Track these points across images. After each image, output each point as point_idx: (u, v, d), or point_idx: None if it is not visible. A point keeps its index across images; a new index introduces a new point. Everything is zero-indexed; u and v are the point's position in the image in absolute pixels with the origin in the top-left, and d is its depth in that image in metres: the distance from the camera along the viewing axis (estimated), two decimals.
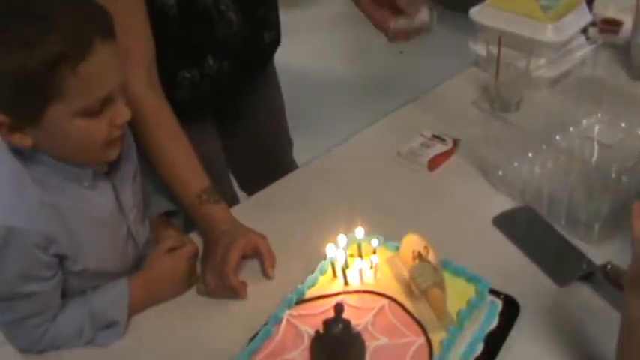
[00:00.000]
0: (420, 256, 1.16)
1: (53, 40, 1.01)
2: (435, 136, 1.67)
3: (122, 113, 1.15)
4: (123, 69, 1.14)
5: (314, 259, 1.27)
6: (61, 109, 1.07)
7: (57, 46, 1.01)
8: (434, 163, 1.60)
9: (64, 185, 1.19)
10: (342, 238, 1.25)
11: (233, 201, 1.77)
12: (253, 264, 1.37)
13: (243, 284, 1.32)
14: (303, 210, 1.51)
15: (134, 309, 1.30)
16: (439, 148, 1.63)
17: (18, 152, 1.15)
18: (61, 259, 1.20)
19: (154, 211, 1.47)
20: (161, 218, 1.48)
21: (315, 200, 1.53)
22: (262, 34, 1.64)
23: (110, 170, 1.27)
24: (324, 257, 1.25)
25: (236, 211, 1.45)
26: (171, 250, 1.37)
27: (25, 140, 1.11)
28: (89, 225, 1.23)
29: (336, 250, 1.23)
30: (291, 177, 1.67)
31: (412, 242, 1.19)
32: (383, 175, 1.60)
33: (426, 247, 1.16)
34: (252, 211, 1.52)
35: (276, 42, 1.72)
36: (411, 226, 1.22)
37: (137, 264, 1.38)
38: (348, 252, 1.25)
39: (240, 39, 1.56)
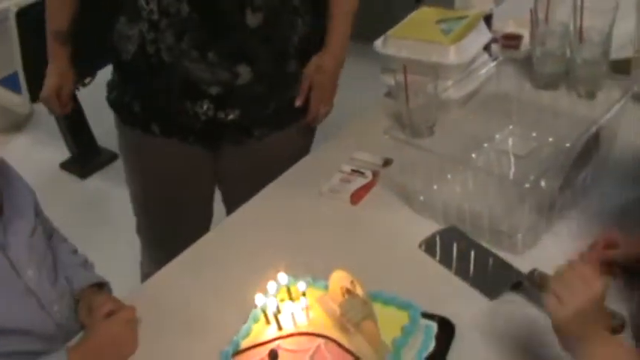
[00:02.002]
0: (348, 292, 1.18)
1: None
2: (354, 171, 1.70)
3: None
4: None
5: (248, 307, 1.28)
6: None
7: None
8: (356, 197, 1.63)
9: None
10: (271, 285, 1.27)
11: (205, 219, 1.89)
12: (190, 317, 1.38)
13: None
14: (233, 259, 1.52)
15: None
16: (359, 182, 1.67)
17: None
18: None
19: (83, 282, 1.47)
20: (92, 289, 1.48)
21: (245, 246, 1.55)
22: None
23: None
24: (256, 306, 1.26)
25: (170, 269, 1.49)
26: (109, 314, 1.36)
27: None
28: None
29: (265, 297, 1.25)
30: (220, 227, 1.70)
31: (339, 279, 1.21)
32: (307, 215, 1.63)
33: (352, 282, 1.18)
34: (186, 266, 1.54)
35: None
36: (339, 263, 1.24)
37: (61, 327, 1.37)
38: (278, 297, 1.27)
39: None
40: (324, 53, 1.76)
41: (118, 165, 3.62)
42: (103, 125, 3.66)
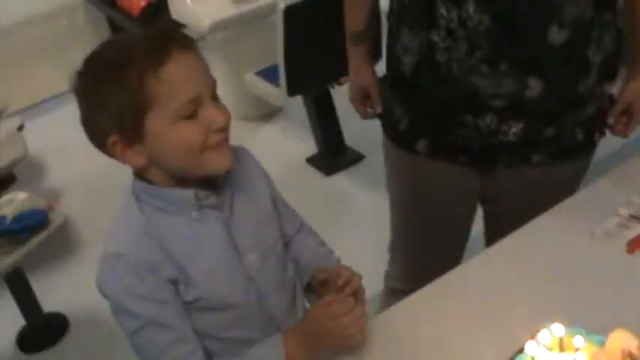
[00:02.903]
0: (631, 356, 1.11)
1: (137, 57, 1.18)
2: (632, 216, 1.60)
3: (216, 118, 1.24)
4: (208, 76, 1.26)
5: (507, 346, 1.26)
6: (156, 116, 1.21)
7: (139, 63, 1.18)
8: (634, 246, 1.54)
9: (170, 217, 1.29)
10: (544, 335, 1.21)
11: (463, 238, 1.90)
12: (443, 343, 1.35)
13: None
14: (492, 293, 1.48)
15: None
16: (638, 229, 1.56)
17: (135, 193, 1.30)
18: (175, 284, 1.28)
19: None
20: None
21: (504, 283, 1.51)
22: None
23: (224, 207, 1.33)
24: (521, 350, 1.22)
25: (426, 291, 1.50)
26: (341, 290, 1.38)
27: (138, 159, 1.26)
28: (194, 256, 1.29)
29: (537, 347, 1.20)
30: (482, 255, 1.66)
31: (621, 339, 1.14)
32: (576, 257, 1.55)
33: (639, 348, 1.10)
34: (443, 290, 1.53)
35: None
36: (614, 318, 1.18)
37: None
38: (548, 346, 1.21)
39: None
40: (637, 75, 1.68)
41: (364, 166, 3.75)
42: (353, 125, 3.74)
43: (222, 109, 1.27)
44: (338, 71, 3.52)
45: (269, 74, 3.58)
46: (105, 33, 5.86)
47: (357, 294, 1.38)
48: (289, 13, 3.13)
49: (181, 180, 1.29)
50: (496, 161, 1.69)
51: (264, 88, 3.62)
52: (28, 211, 2.77)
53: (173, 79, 1.20)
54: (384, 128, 1.84)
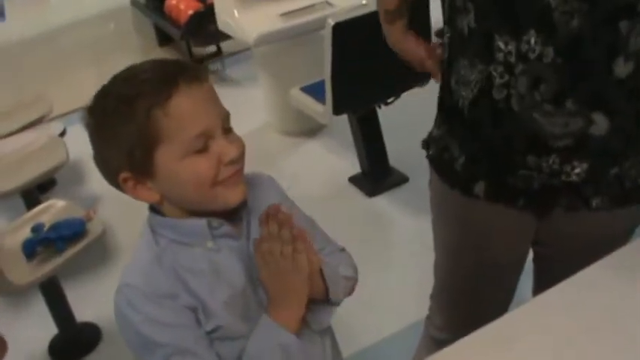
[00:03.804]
0: None
1: (144, 90, 1.17)
2: None
3: (227, 150, 1.22)
4: (220, 108, 1.25)
5: None
6: (165, 151, 1.20)
7: (147, 96, 1.17)
8: None
9: (186, 249, 1.27)
10: None
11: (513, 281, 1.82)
12: None
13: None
14: (541, 346, 1.42)
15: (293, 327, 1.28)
16: None
17: (151, 225, 1.29)
18: (195, 312, 1.25)
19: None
20: None
21: (554, 335, 1.45)
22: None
23: (240, 236, 1.31)
24: None
25: (467, 342, 1.41)
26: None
27: (151, 195, 1.25)
28: (212, 287, 1.26)
29: None
30: (531, 303, 1.60)
31: None
32: (632, 310, 1.48)
33: None
34: (483, 343, 1.46)
35: None
36: None
37: None
38: None
39: None
40: None
41: (408, 189, 3.70)
42: (398, 145, 3.72)
43: (234, 141, 1.25)
44: (386, 91, 3.53)
45: (315, 90, 3.56)
46: (151, 39, 5.92)
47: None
48: (338, 29, 3.11)
49: (194, 213, 1.28)
50: (555, 204, 1.63)
51: (309, 104, 3.60)
52: (66, 220, 2.78)
53: (181, 113, 1.19)
54: (435, 167, 1.75)
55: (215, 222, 1.28)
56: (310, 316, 1.35)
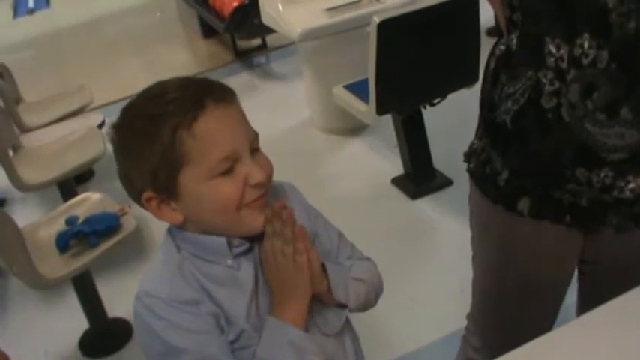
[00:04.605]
0: None
1: (170, 110, 1.15)
2: None
3: (254, 173, 1.20)
4: (247, 129, 1.22)
5: None
6: (190, 173, 1.18)
7: (173, 117, 1.15)
8: None
9: (206, 263, 1.25)
10: None
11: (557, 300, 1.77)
12: None
13: None
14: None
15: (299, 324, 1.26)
16: None
17: (172, 236, 1.27)
18: (217, 320, 1.23)
19: None
20: None
21: (597, 357, 1.39)
22: None
23: (255, 246, 1.28)
24: None
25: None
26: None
27: (174, 216, 1.23)
28: (233, 298, 1.24)
29: None
30: (569, 327, 1.52)
31: None
32: None
33: None
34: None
35: None
36: None
37: None
38: None
39: None
40: None
41: (451, 192, 3.65)
42: (443, 148, 3.66)
43: (262, 162, 1.23)
44: (431, 92, 3.47)
45: (359, 89, 3.53)
46: (196, 31, 5.92)
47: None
48: (384, 27, 3.06)
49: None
50: (604, 222, 1.55)
51: (352, 103, 3.56)
52: (100, 214, 2.78)
53: (207, 135, 1.16)
54: (476, 182, 1.68)
55: (236, 241, 1.25)
56: (321, 320, 1.33)
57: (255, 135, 1.23)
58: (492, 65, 1.57)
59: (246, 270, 1.27)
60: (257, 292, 1.28)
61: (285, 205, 1.25)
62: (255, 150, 1.23)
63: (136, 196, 1.23)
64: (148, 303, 1.21)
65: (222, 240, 1.24)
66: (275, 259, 1.24)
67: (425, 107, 3.58)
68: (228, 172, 1.18)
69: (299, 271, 1.25)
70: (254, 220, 1.23)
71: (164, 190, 1.20)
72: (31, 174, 3.32)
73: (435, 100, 3.49)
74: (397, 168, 3.82)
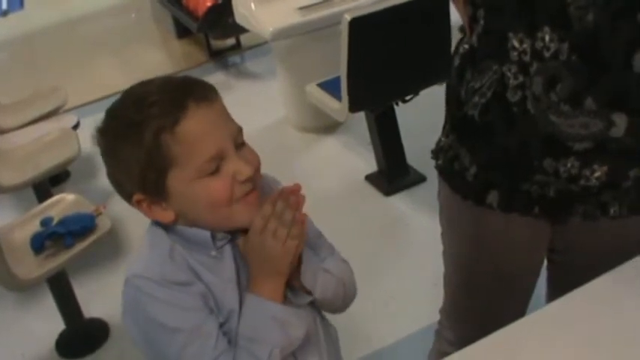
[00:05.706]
0: None
1: (152, 114, 1.16)
2: None
3: (242, 169, 1.21)
4: (231, 126, 1.23)
5: None
6: (177, 175, 1.19)
7: (154, 121, 1.16)
8: None
9: (194, 252, 1.26)
10: None
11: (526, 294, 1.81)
12: None
13: None
14: (552, 350, 1.40)
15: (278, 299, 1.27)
16: None
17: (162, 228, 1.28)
18: (206, 301, 1.24)
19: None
20: None
21: (565, 340, 1.43)
22: None
23: (237, 237, 1.29)
24: None
25: (477, 348, 1.39)
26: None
27: (167, 215, 1.25)
28: (220, 286, 1.26)
29: None
30: (542, 311, 1.56)
31: None
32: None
33: None
34: (498, 348, 1.44)
35: None
36: None
37: None
38: None
39: None
40: None
41: (425, 188, 3.67)
42: (415, 145, 3.69)
43: (249, 157, 1.24)
44: (403, 88, 3.50)
45: (332, 86, 3.53)
46: (170, 31, 5.91)
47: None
48: (355, 24, 3.09)
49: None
50: (572, 212, 1.59)
51: (325, 100, 3.58)
52: (75, 215, 2.78)
53: (191, 138, 1.18)
54: (445, 178, 1.71)
55: (219, 235, 1.27)
56: (290, 294, 1.33)
57: (239, 129, 1.25)
58: (457, 62, 1.61)
59: (228, 259, 1.28)
60: (240, 278, 1.29)
61: (299, 189, 1.27)
62: (240, 144, 1.24)
63: (127, 198, 1.26)
64: (139, 284, 1.21)
65: (207, 233, 1.25)
66: (264, 238, 1.24)
67: (397, 104, 3.61)
68: (215, 171, 1.20)
69: (285, 255, 1.26)
70: (246, 214, 1.24)
71: (153, 191, 1.22)
72: (6, 176, 3.31)
73: (408, 97, 3.52)
74: (371, 165, 3.85)
